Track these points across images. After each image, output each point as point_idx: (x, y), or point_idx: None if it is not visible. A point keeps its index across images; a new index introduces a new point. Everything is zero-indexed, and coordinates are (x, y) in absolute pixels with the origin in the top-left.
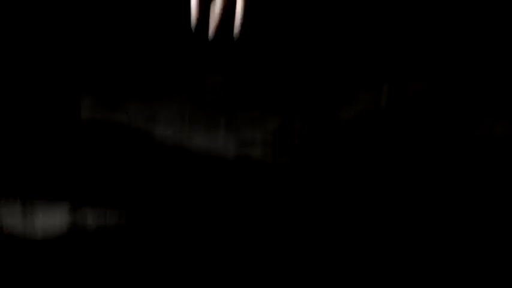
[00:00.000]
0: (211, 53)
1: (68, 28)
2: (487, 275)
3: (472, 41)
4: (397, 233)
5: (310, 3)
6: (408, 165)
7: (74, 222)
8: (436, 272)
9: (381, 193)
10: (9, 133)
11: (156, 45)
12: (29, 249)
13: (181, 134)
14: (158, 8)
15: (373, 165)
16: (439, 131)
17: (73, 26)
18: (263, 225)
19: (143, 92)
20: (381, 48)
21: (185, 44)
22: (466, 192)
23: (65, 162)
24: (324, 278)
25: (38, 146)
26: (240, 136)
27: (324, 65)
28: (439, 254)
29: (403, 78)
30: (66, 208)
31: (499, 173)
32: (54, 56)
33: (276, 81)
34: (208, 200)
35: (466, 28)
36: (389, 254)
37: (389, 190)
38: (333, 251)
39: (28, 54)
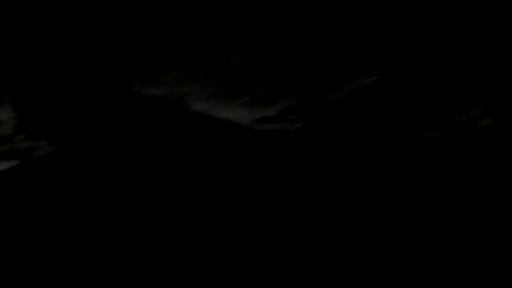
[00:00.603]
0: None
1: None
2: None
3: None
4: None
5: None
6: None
7: None
8: None
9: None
10: (83, 98)
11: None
12: None
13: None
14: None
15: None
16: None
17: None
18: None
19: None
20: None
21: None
22: None
23: (122, 121)
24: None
25: (104, 107)
26: (256, 111)
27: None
28: None
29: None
30: None
31: None
32: (118, 48)
33: (286, 68)
34: (228, 159)
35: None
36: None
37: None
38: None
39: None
